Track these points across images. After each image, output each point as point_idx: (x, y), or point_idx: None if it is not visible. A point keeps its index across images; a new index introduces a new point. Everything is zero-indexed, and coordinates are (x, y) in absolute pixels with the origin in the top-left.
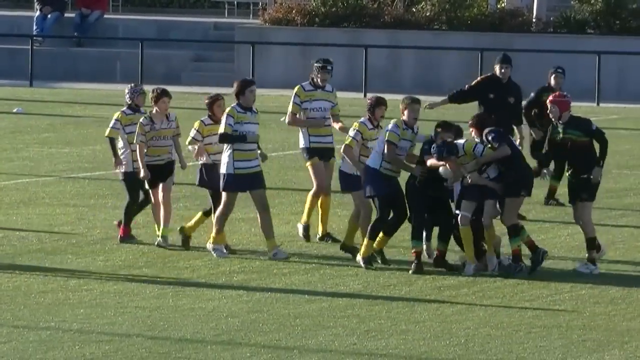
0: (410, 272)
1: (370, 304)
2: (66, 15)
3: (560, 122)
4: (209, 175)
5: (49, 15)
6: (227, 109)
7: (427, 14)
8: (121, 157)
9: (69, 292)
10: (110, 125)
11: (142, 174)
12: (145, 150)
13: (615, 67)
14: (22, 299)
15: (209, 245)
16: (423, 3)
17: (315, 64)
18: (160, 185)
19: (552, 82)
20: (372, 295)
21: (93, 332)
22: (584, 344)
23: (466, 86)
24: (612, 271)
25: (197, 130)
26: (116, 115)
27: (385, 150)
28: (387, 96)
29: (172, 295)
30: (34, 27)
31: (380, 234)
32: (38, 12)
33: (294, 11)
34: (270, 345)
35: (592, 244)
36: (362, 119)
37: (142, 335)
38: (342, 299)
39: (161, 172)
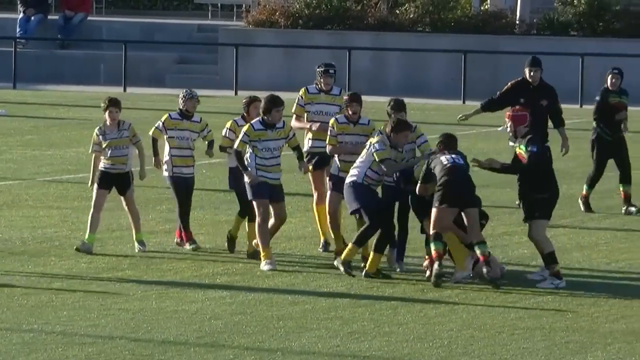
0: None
1: (354, 305)
2: (50, 17)
3: (518, 137)
4: (238, 179)
5: (32, 17)
6: (246, 126)
7: (411, 16)
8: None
9: (52, 294)
10: (156, 125)
11: (89, 183)
12: (104, 159)
13: (598, 69)
14: (5, 301)
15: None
16: (407, 5)
17: (318, 69)
18: (122, 198)
19: (609, 82)
20: (356, 297)
21: (76, 335)
22: (567, 345)
23: (497, 93)
24: (595, 273)
25: (231, 130)
26: (163, 117)
27: (385, 168)
28: (371, 98)
29: (155, 297)
30: (18, 29)
31: (351, 245)
32: (21, 14)
33: (277, 13)
34: (253, 347)
35: (553, 259)
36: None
37: (126, 338)
38: (325, 301)
39: (117, 181)
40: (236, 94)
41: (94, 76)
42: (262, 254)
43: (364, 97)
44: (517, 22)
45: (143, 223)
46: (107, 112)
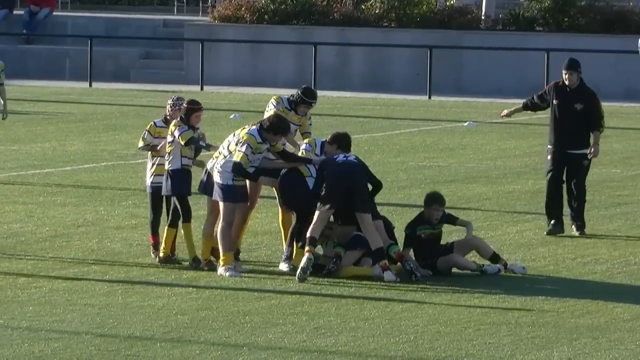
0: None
1: (320, 301)
2: (15, 12)
3: None
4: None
5: None
6: (247, 137)
7: (376, 11)
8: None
9: (17, 290)
10: (142, 135)
11: None
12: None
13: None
14: None
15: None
16: (372, 0)
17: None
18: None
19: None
20: (321, 292)
21: (42, 330)
22: (533, 340)
23: (538, 93)
24: (560, 268)
25: (148, 131)
26: (148, 125)
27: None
28: (336, 94)
29: (121, 292)
30: None
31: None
32: None
33: (243, 8)
34: (219, 342)
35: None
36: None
37: (92, 333)
38: (291, 297)
39: None
40: (202, 89)
41: (59, 71)
42: (222, 258)
43: (328, 93)
44: (483, 17)
45: (108, 219)
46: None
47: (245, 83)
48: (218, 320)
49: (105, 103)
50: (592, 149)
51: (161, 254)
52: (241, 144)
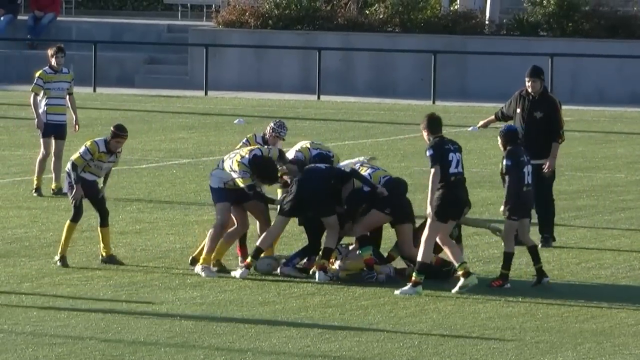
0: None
1: (324, 306)
2: (19, 17)
3: None
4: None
5: (1, 18)
6: (240, 166)
7: (381, 16)
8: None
9: (22, 295)
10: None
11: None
12: None
13: (568, 69)
14: None
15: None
16: (376, 5)
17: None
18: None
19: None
20: (326, 297)
21: (46, 335)
22: (537, 345)
23: (506, 102)
24: (565, 273)
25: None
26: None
27: None
28: (341, 98)
29: (125, 297)
30: None
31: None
32: None
33: (247, 13)
34: (223, 347)
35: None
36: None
37: (96, 338)
38: (295, 302)
39: None
40: (206, 94)
41: None
42: (203, 257)
43: (332, 98)
44: (487, 22)
45: (112, 224)
46: None
47: (250, 88)
48: (222, 325)
49: (110, 108)
50: (548, 162)
51: (106, 254)
52: (236, 172)
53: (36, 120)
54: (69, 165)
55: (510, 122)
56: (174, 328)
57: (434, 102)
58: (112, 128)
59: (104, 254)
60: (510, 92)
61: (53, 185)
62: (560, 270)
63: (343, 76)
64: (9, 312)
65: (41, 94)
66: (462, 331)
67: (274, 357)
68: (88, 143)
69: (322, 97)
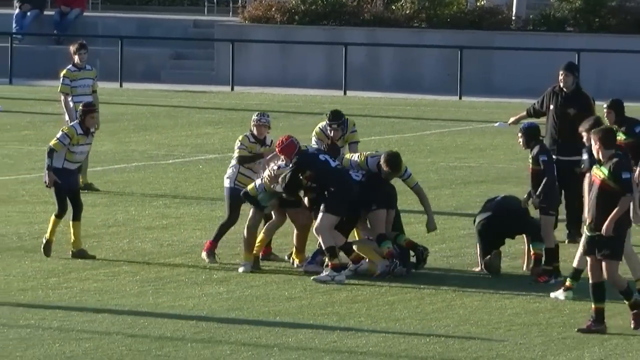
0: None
1: (350, 301)
2: (45, 12)
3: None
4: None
5: (28, 13)
6: (240, 137)
7: (407, 11)
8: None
9: (48, 290)
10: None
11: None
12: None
13: (594, 65)
14: (1, 297)
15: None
16: (402, 1)
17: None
18: None
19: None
20: (352, 293)
21: (73, 330)
22: (564, 341)
23: (539, 98)
24: None
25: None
26: (240, 137)
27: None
28: (367, 94)
29: (152, 293)
30: (14, 25)
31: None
32: (17, 10)
33: (273, 9)
34: (250, 342)
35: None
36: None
37: (122, 333)
38: (321, 297)
39: None
40: (232, 89)
41: None
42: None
43: (358, 93)
44: (513, 18)
45: (139, 219)
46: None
47: (276, 83)
48: (249, 320)
49: (136, 103)
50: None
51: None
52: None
53: (68, 121)
54: (46, 151)
55: (543, 119)
56: (201, 323)
57: (460, 98)
58: (80, 107)
59: (73, 249)
60: (536, 88)
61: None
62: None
63: (369, 72)
64: (36, 308)
65: (70, 93)
66: (488, 327)
67: (300, 352)
68: (65, 128)
69: (348, 93)
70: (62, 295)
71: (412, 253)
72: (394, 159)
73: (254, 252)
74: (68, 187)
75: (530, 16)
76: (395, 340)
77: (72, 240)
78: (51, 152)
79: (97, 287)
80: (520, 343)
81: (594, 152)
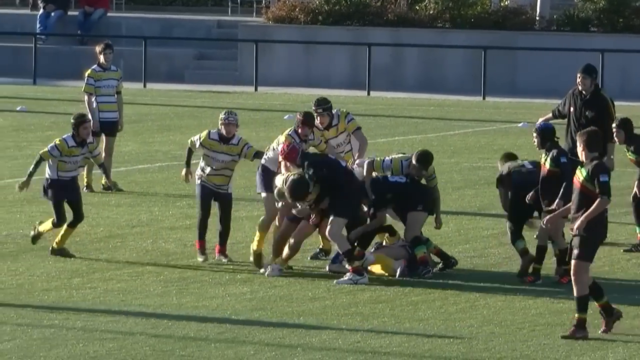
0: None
1: (374, 302)
2: (69, 13)
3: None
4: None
5: (52, 14)
6: (203, 133)
7: (431, 12)
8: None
9: (72, 290)
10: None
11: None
12: None
13: (618, 65)
14: (25, 297)
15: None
16: (426, 1)
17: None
18: None
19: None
20: (375, 293)
21: (97, 330)
22: (588, 342)
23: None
24: (615, 269)
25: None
26: (203, 133)
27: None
28: (390, 94)
29: (175, 293)
30: (38, 25)
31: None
32: (41, 10)
33: (297, 9)
34: (273, 343)
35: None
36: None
37: (146, 333)
38: (345, 297)
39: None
40: (256, 89)
41: None
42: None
43: (382, 94)
44: (537, 18)
45: (162, 219)
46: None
47: (299, 84)
48: (272, 321)
49: (160, 104)
50: (608, 163)
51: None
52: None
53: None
54: (36, 157)
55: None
56: (224, 323)
57: (484, 98)
58: (72, 119)
59: (55, 245)
60: (559, 88)
61: (103, 181)
62: (611, 267)
63: (393, 72)
64: (60, 308)
65: (94, 93)
66: (512, 327)
67: (323, 352)
68: (57, 140)
69: (372, 93)
70: (86, 296)
71: (437, 259)
72: (424, 154)
73: (255, 249)
74: (66, 198)
75: (554, 16)
76: (419, 341)
77: (57, 240)
78: (39, 160)
79: (121, 287)
80: (544, 343)
81: (579, 154)
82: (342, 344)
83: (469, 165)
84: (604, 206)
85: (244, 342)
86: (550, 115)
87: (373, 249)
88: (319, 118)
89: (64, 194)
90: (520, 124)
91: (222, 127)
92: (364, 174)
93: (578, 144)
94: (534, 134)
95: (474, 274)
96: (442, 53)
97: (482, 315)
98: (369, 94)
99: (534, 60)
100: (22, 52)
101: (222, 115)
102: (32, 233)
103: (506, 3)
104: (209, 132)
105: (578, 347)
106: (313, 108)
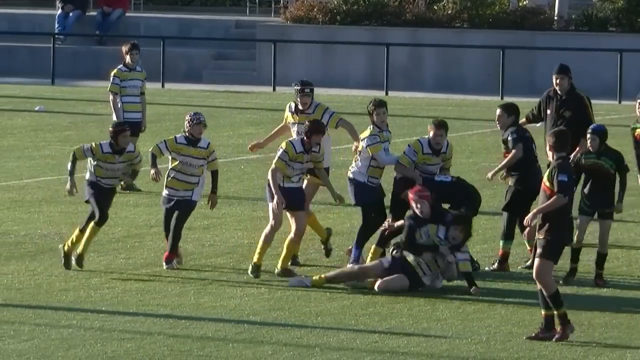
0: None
1: (392, 302)
2: (88, 13)
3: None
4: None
5: (70, 14)
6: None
7: (449, 12)
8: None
9: (90, 290)
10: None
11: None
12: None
13: (637, 65)
14: (44, 297)
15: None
16: (444, 1)
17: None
18: None
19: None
20: (393, 293)
21: (115, 330)
22: (606, 341)
23: (537, 104)
24: (634, 269)
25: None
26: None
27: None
28: (409, 94)
29: (193, 293)
30: (56, 26)
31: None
32: (60, 11)
33: (315, 9)
34: (291, 343)
35: None
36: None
37: (164, 334)
38: (363, 297)
39: None
40: (274, 89)
41: None
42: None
43: (400, 93)
44: (555, 18)
45: None
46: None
47: (317, 84)
48: (290, 321)
49: (178, 104)
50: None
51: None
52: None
53: (115, 120)
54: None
55: (542, 123)
56: (242, 323)
57: (502, 98)
58: (110, 127)
59: (77, 251)
60: (578, 88)
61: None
62: (629, 267)
63: (411, 72)
64: (78, 308)
65: (119, 92)
66: (530, 327)
67: (341, 352)
68: (93, 143)
69: (390, 93)
70: (104, 295)
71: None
72: (440, 120)
73: (255, 261)
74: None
75: (573, 16)
76: (437, 341)
77: (82, 242)
78: (74, 158)
79: (139, 287)
80: (562, 343)
81: (548, 154)
82: (359, 343)
83: (487, 165)
84: (559, 204)
85: (262, 342)
86: (524, 120)
87: (392, 248)
88: (303, 98)
89: (100, 195)
90: (538, 124)
91: (190, 128)
92: (406, 174)
93: (547, 144)
94: (590, 136)
95: (492, 273)
96: (460, 53)
97: (500, 315)
98: (387, 94)
99: (552, 60)
100: (41, 52)
101: (187, 117)
102: (67, 251)
103: (524, 3)
104: (175, 137)
105: (596, 347)
106: (298, 87)
